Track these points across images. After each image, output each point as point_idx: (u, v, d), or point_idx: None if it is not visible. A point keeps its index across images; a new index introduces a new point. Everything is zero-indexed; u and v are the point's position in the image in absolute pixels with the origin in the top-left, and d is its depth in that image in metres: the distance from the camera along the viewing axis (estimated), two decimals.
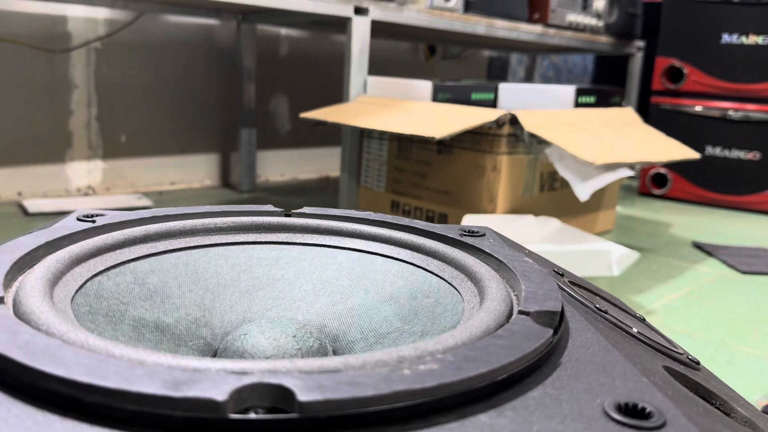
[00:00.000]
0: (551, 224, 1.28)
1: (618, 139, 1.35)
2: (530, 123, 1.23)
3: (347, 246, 0.46)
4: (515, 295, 0.36)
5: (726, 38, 2.05)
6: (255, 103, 1.91)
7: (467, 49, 2.64)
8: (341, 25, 1.46)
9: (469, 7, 1.73)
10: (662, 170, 2.16)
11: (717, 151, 2.08)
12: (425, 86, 1.43)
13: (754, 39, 2.01)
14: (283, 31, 2.04)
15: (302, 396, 0.23)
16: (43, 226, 0.42)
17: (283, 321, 0.39)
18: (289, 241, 0.47)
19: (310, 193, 1.96)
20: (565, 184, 1.41)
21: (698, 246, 1.52)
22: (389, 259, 0.45)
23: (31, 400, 0.24)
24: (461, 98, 1.48)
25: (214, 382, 0.23)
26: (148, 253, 0.41)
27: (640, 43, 2.43)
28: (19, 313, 0.29)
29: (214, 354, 0.38)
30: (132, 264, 0.40)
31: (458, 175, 1.33)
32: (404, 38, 2.27)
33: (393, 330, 0.39)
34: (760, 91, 2.01)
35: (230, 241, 0.46)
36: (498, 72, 2.82)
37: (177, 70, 1.83)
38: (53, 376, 0.23)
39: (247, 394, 0.23)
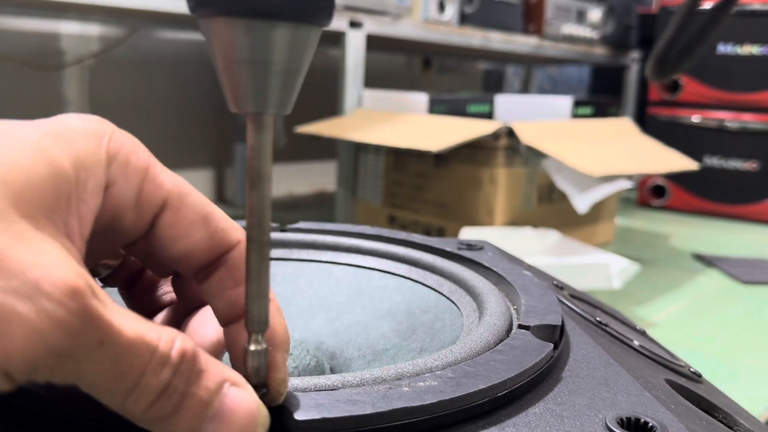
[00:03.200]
0: (550, 236, 1.28)
1: (616, 150, 1.35)
2: (527, 135, 1.23)
3: (344, 261, 0.46)
4: (515, 309, 0.36)
5: (721, 48, 2.06)
6: None
7: (463, 61, 2.65)
8: (336, 38, 1.46)
9: (464, 19, 1.74)
10: (661, 181, 2.16)
11: (714, 161, 2.08)
12: (421, 99, 1.43)
13: (748, 49, 2.02)
14: None
15: (299, 415, 0.23)
16: None
17: None
18: (285, 257, 0.46)
19: (305, 207, 1.96)
20: (563, 196, 1.41)
21: (699, 257, 1.52)
22: (386, 274, 0.44)
23: (22, 422, 0.23)
24: (457, 111, 1.48)
25: None
26: None
27: (636, 54, 2.44)
28: None
29: None
30: None
31: (455, 188, 1.33)
32: (400, 51, 2.27)
33: (391, 346, 0.39)
34: (756, 100, 2.02)
35: None
36: (494, 84, 2.83)
37: (171, 86, 1.83)
38: (44, 397, 0.23)
39: None
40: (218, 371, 0.21)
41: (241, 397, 0.21)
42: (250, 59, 0.20)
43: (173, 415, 0.19)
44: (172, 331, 0.20)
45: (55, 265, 0.17)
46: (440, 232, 1.36)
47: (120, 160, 0.22)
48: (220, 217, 0.24)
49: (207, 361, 0.20)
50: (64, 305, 0.17)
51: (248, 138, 0.22)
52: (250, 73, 0.20)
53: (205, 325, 0.26)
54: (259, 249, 0.22)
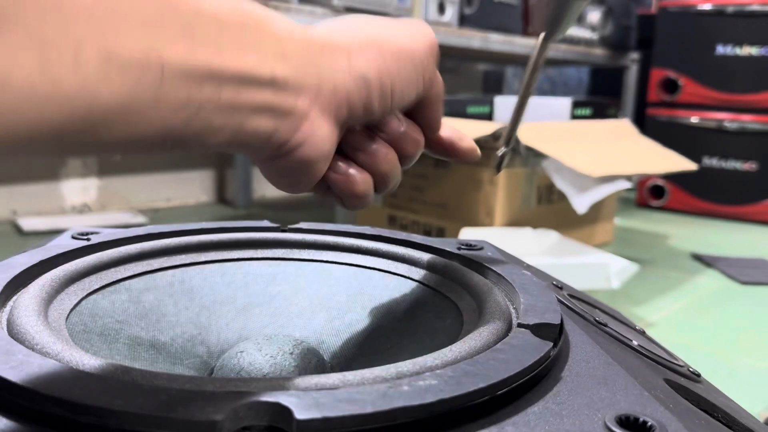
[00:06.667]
0: (550, 237, 1.28)
1: (615, 151, 1.35)
2: (527, 136, 1.24)
3: (344, 261, 0.46)
4: (514, 308, 0.36)
5: (720, 49, 2.06)
6: None
7: (462, 62, 2.65)
8: None
9: (463, 21, 1.74)
10: (660, 182, 2.16)
11: (713, 162, 2.08)
12: None
13: (747, 50, 2.02)
14: None
15: (300, 414, 0.23)
16: (37, 245, 0.41)
17: (280, 338, 0.38)
18: (286, 257, 0.47)
19: (306, 208, 1.96)
20: (562, 197, 1.41)
21: (697, 257, 1.52)
22: (387, 274, 0.44)
23: (26, 421, 0.23)
24: (457, 112, 1.48)
25: (210, 401, 0.23)
26: (143, 270, 0.41)
27: (635, 55, 2.44)
28: (13, 333, 0.29)
29: (211, 372, 0.38)
30: (127, 282, 0.39)
31: (455, 188, 1.33)
32: None
33: (391, 345, 0.39)
34: (754, 101, 2.02)
35: (226, 258, 0.45)
36: (493, 85, 2.83)
37: None
38: (48, 397, 0.23)
39: (244, 413, 0.23)
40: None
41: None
42: None
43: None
44: None
45: None
46: (440, 233, 1.36)
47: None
48: None
49: None
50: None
51: (537, 48, 0.39)
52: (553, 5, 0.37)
53: None
54: (524, 99, 0.41)
